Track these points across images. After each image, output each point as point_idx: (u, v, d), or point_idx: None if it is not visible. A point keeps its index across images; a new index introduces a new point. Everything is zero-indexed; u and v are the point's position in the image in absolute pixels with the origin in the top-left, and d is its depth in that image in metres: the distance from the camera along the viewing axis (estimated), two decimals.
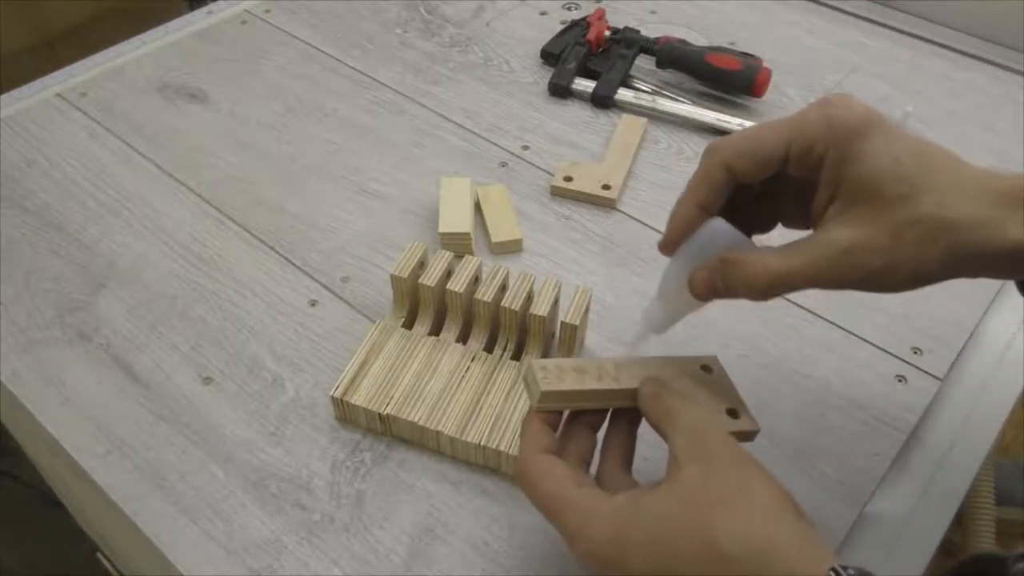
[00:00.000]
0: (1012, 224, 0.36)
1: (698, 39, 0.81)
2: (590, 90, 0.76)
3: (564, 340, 0.53)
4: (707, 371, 0.45)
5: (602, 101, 0.75)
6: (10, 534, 1.34)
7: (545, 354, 0.54)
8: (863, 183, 0.37)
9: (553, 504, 0.38)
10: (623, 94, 0.75)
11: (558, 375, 0.41)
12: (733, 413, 0.43)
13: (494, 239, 0.62)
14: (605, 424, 0.43)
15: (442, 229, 0.61)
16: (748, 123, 0.72)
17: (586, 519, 0.37)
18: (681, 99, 0.75)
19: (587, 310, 0.53)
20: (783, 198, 0.42)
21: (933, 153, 0.38)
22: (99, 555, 0.95)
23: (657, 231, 0.64)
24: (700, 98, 0.76)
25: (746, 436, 0.43)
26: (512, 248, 0.63)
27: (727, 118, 0.72)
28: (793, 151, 0.39)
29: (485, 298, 0.52)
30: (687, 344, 0.56)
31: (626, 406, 0.42)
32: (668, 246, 0.43)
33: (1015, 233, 0.36)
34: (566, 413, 0.43)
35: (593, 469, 0.42)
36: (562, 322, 0.52)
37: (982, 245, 0.36)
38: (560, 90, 0.77)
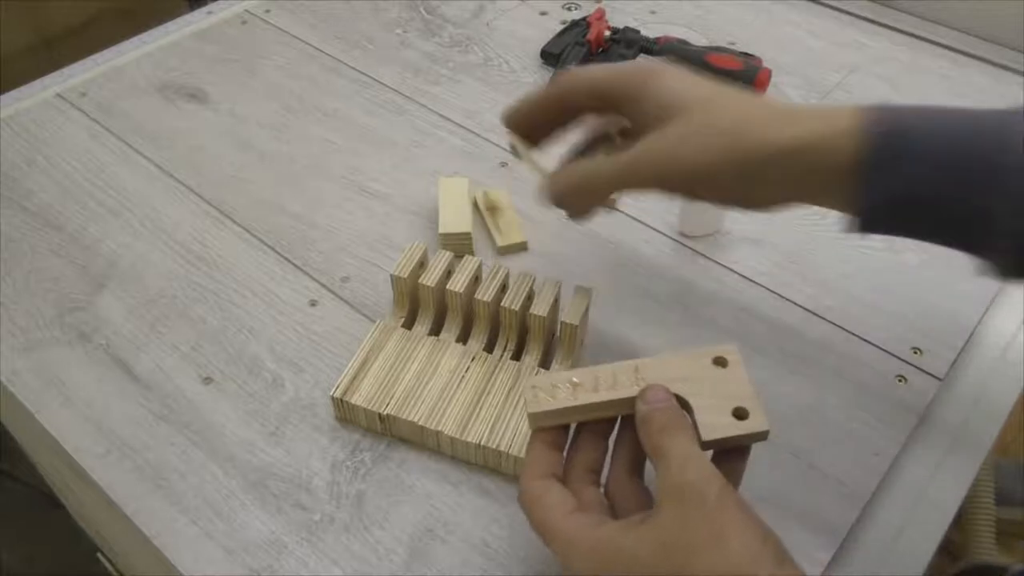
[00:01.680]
0: (787, 127, 0.41)
1: (698, 39, 0.81)
2: None
3: (564, 340, 0.53)
4: (721, 364, 0.43)
5: None
6: (10, 534, 1.34)
7: (545, 354, 0.54)
8: (658, 102, 0.44)
9: (543, 531, 0.39)
10: None
11: (551, 391, 0.41)
12: (740, 413, 0.41)
13: (501, 243, 0.62)
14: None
15: (442, 230, 0.61)
16: None
17: (568, 551, 0.37)
18: None
19: (587, 310, 0.53)
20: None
21: (720, 85, 0.45)
22: (99, 555, 0.95)
23: (657, 231, 0.64)
24: None
25: (755, 437, 0.41)
26: (516, 250, 0.63)
27: None
28: (615, 86, 0.46)
29: (485, 298, 0.52)
30: (688, 342, 0.56)
31: (629, 413, 0.41)
32: (511, 120, 0.50)
33: (787, 132, 0.41)
34: (574, 425, 0.43)
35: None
36: (562, 322, 0.52)
37: (758, 142, 0.41)
38: (552, 59, 0.77)
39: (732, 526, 0.35)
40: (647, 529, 0.36)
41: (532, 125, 0.50)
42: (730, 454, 0.41)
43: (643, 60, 0.50)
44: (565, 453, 0.42)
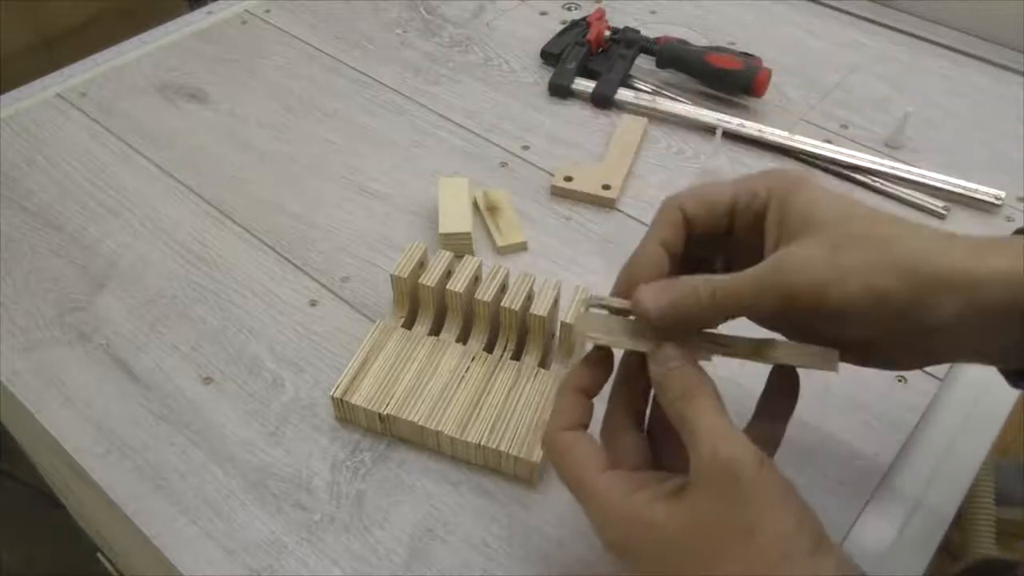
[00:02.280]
0: (981, 255, 0.35)
1: (698, 39, 0.81)
2: (590, 90, 0.76)
3: (564, 340, 0.53)
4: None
5: (602, 101, 0.75)
6: (10, 534, 1.34)
7: (545, 354, 0.54)
8: (802, 214, 0.37)
9: (574, 488, 0.38)
10: (623, 94, 0.75)
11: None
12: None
13: (501, 243, 0.62)
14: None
15: (442, 230, 0.61)
16: (748, 123, 0.72)
17: (599, 515, 0.37)
18: (681, 99, 0.75)
19: (587, 310, 0.53)
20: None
21: (876, 210, 0.38)
22: (99, 555, 0.95)
23: None
24: (700, 98, 0.76)
25: (821, 362, 0.38)
26: (516, 250, 0.63)
27: (727, 118, 0.73)
28: (740, 200, 0.39)
29: (485, 298, 0.52)
30: None
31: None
32: (628, 289, 0.40)
33: (985, 263, 0.35)
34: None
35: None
36: (562, 322, 0.52)
37: (941, 271, 0.35)
38: (560, 90, 0.77)
39: (766, 514, 0.33)
40: (679, 507, 0.35)
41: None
42: (772, 416, 0.40)
43: (776, 169, 0.42)
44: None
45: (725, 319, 0.38)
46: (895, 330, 0.36)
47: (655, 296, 0.38)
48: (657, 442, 0.40)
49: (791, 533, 0.33)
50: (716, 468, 0.34)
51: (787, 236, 0.38)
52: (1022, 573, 0.41)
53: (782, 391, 0.41)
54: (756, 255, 0.39)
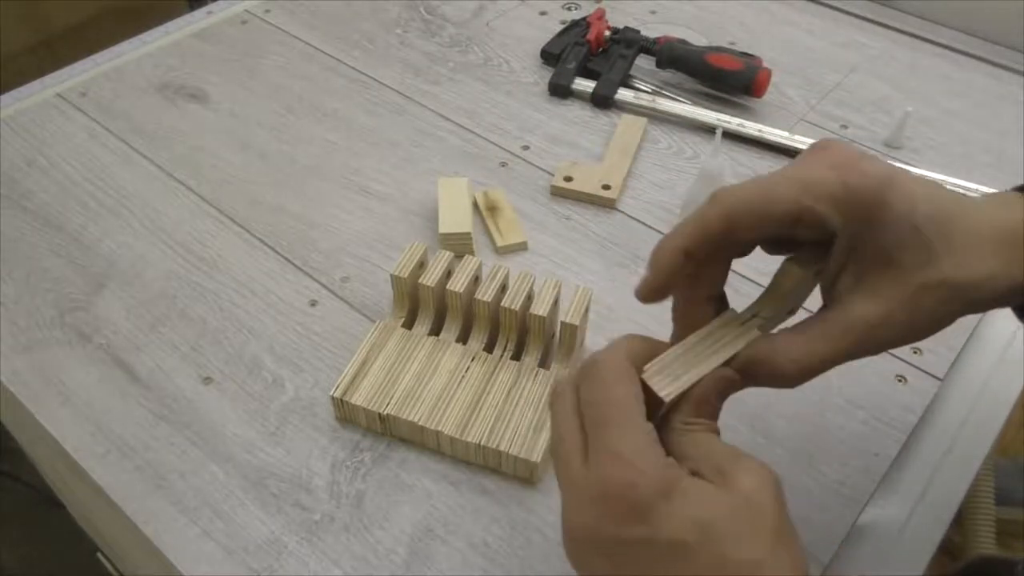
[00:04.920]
0: (1007, 269, 0.35)
1: (698, 39, 0.81)
2: (590, 90, 0.76)
3: (564, 340, 0.53)
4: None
5: (602, 101, 0.76)
6: (10, 534, 1.34)
7: (545, 354, 0.54)
8: (882, 253, 0.35)
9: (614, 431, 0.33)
10: (623, 94, 0.75)
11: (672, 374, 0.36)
12: None
13: (501, 243, 0.62)
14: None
15: (442, 230, 0.61)
16: (748, 123, 0.72)
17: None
18: (681, 99, 0.75)
19: (587, 310, 0.53)
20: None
21: (948, 207, 0.36)
22: (99, 555, 0.95)
23: (657, 231, 0.64)
24: (700, 98, 0.76)
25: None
26: (516, 250, 0.63)
27: (727, 118, 0.73)
28: (806, 217, 0.35)
29: (485, 298, 0.52)
30: None
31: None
32: (650, 294, 0.37)
33: (1009, 277, 0.35)
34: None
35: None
36: (562, 322, 0.52)
37: (984, 296, 0.36)
38: (560, 90, 0.77)
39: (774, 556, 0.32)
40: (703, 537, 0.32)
41: (682, 283, 0.37)
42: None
43: (838, 146, 0.36)
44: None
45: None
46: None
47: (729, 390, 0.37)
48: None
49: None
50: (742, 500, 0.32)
51: (859, 266, 0.36)
52: (1021, 570, 0.41)
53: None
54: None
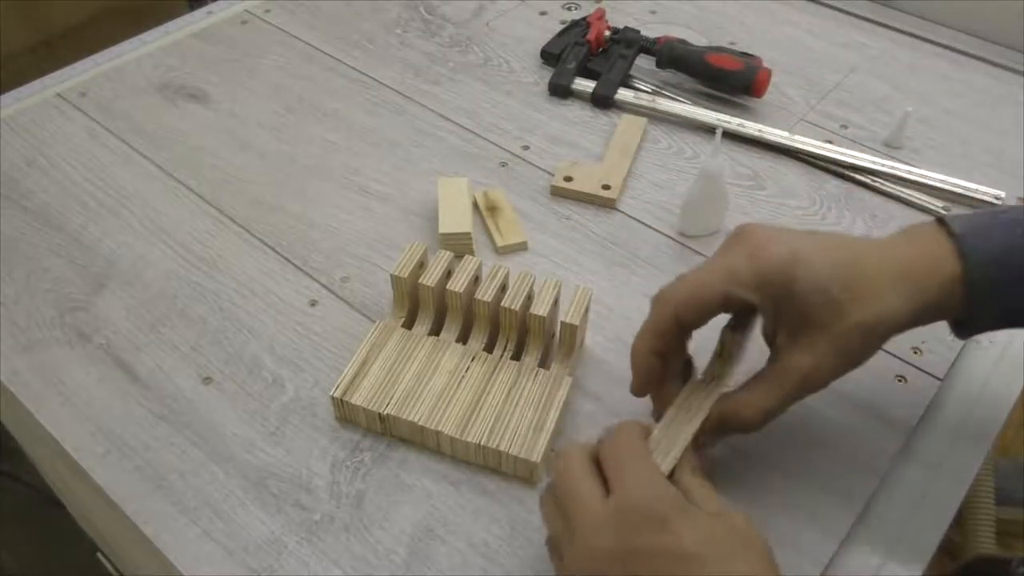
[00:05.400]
0: (906, 302, 0.43)
1: (698, 39, 0.81)
2: (590, 90, 0.76)
3: (564, 340, 0.53)
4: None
5: (602, 101, 0.76)
6: (10, 534, 1.34)
7: (545, 354, 0.54)
8: (801, 315, 0.43)
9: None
10: (623, 94, 0.75)
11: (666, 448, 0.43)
12: None
13: (501, 243, 0.62)
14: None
15: (442, 230, 0.61)
16: (748, 123, 0.72)
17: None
18: (681, 99, 0.75)
19: (587, 310, 0.53)
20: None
21: (846, 262, 0.43)
22: (99, 555, 0.95)
23: (657, 231, 0.64)
24: (700, 98, 0.76)
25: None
26: (516, 250, 0.63)
27: (727, 118, 0.73)
28: (731, 303, 0.44)
29: (485, 298, 0.52)
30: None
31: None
32: (640, 391, 0.48)
33: (908, 309, 0.43)
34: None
35: None
36: (562, 322, 0.52)
37: (890, 329, 0.43)
38: (560, 90, 0.77)
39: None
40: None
41: (658, 374, 0.47)
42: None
43: (759, 246, 0.44)
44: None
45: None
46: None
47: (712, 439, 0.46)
48: None
49: None
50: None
51: (787, 329, 0.44)
52: (1015, 567, 0.42)
53: None
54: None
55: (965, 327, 0.46)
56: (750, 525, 0.39)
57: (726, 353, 0.47)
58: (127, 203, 0.67)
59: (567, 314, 0.52)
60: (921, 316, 0.44)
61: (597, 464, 0.41)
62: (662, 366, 0.46)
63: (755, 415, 0.45)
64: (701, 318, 0.45)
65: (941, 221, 0.45)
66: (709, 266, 0.45)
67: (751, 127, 0.72)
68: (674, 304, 0.45)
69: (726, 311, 0.46)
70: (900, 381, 0.54)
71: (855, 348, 0.44)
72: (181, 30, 0.85)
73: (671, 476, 0.42)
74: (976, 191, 0.66)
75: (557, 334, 0.54)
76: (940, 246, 0.43)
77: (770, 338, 0.46)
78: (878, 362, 0.55)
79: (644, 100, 0.75)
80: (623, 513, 0.38)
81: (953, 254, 0.43)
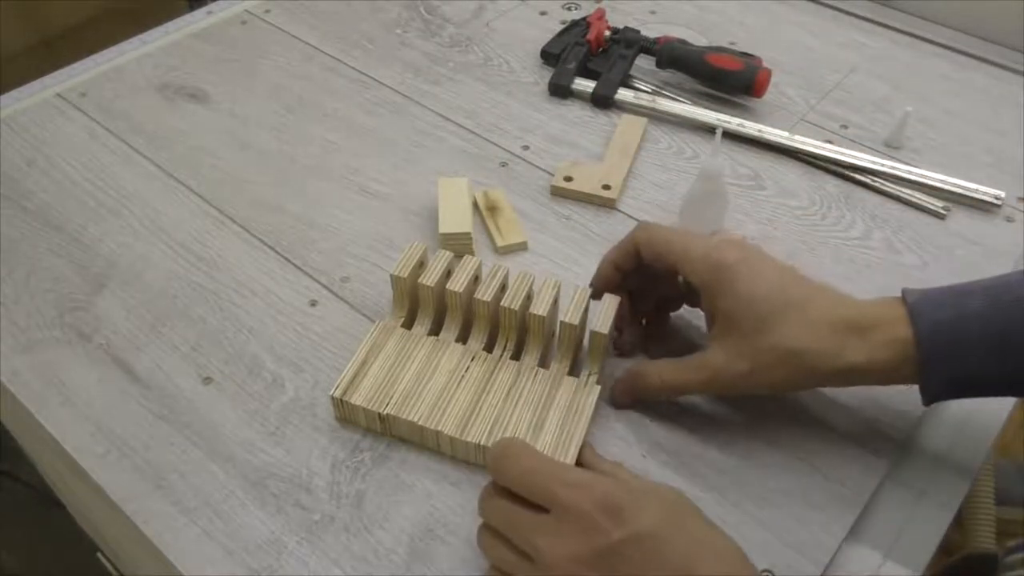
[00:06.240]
0: (846, 350, 0.45)
1: (698, 39, 0.81)
2: (590, 90, 0.76)
3: (564, 340, 0.53)
4: None
5: (602, 101, 0.76)
6: (10, 534, 1.34)
7: (545, 354, 0.54)
8: (729, 317, 0.47)
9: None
10: (623, 94, 0.75)
11: None
12: None
13: (501, 243, 0.62)
14: None
15: (443, 230, 0.61)
16: (748, 123, 0.72)
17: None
18: (681, 99, 0.75)
19: (587, 309, 0.53)
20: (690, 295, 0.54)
21: (789, 289, 0.47)
22: (99, 555, 0.95)
23: None
24: (700, 98, 0.76)
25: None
26: (516, 250, 0.63)
27: (727, 118, 0.73)
28: (682, 271, 0.50)
29: (485, 298, 0.52)
30: (687, 342, 0.56)
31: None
32: (596, 293, 0.54)
33: (847, 357, 0.45)
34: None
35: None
36: (561, 322, 0.52)
37: (819, 367, 0.46)
38: (560, 90, 0.77)
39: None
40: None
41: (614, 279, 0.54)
42: None
43: (724, 246, 0.49)
44: None
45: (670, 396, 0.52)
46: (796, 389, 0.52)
47: (624, 393, 0.52)
48: None
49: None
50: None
51: (718, 325, 0.48)
52: (1002, 558, 0.44)
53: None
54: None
55: (924, 393, 0.46)
56: (670, 489, 0.42)
57: (597, 350, 0.52)
58: (127, 203, 0.67)
59: (566, 314, 0.52)
60: (871, 370, 0.45)
61: (510, 495, 0.42)
62: (620, 279, 0.53)
63: (656, 384, 0.50)
64: (656, 261, 0.50)
65: (902, 293, 0.47)
66: (689, 237, 0.50)
67: (751, 127, 0.72)
68: (644, 239, 0.51)
69: (668, 278, 0.52)
70: None
71: (774, 369, 0.46)
72: (181, 30, 0.85)
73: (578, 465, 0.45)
74: (976, 191, 0.66)
75: (557, 334, 0.54)
76: (894, 309, 0.45)
77: (709, 323, 0.50)
78: None
79: (644, 100, 0.75)
80: (578, 517, 0.39)
81: (905, 318, 0.45)
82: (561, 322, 0.52)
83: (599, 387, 0.51)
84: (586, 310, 0.53)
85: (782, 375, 0.46)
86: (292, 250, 0.63)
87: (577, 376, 0.52)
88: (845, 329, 0.45)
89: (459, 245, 0.61)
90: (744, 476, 0.49)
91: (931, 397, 0.46)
